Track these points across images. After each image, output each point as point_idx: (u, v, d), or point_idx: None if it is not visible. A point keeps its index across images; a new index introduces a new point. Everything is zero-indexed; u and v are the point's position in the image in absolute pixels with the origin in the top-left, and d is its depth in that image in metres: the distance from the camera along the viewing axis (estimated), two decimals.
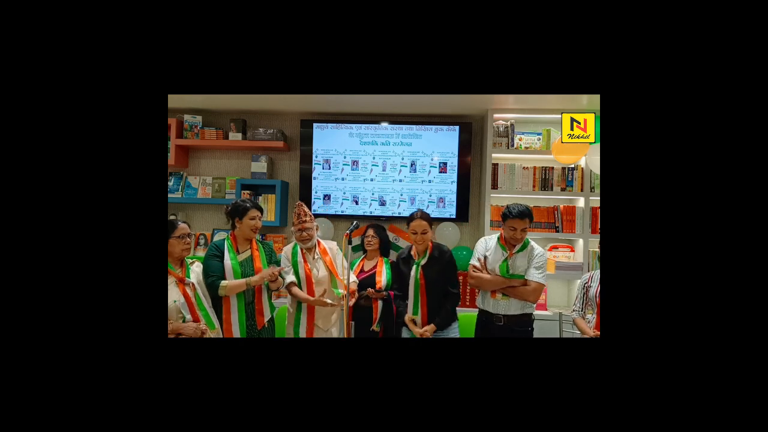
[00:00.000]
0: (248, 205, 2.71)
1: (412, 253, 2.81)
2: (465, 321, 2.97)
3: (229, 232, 2.78)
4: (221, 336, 2.57)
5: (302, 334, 2.81)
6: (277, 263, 2.80)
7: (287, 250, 2.92)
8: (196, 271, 2.61)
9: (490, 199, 3.63)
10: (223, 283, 2.56)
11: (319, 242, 2.93)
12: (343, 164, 3.88)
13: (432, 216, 3.79)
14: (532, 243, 2.74)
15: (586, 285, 2.70)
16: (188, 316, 2.44)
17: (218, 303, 2.62)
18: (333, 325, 2.89)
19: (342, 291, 2.90)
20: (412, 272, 2.74)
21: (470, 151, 3.81)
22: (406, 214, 3.83)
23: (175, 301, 2.41)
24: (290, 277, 2.82)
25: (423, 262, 2.72)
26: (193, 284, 2.51)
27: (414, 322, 2.69)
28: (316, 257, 2.89)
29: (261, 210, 2.74)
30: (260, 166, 3.92)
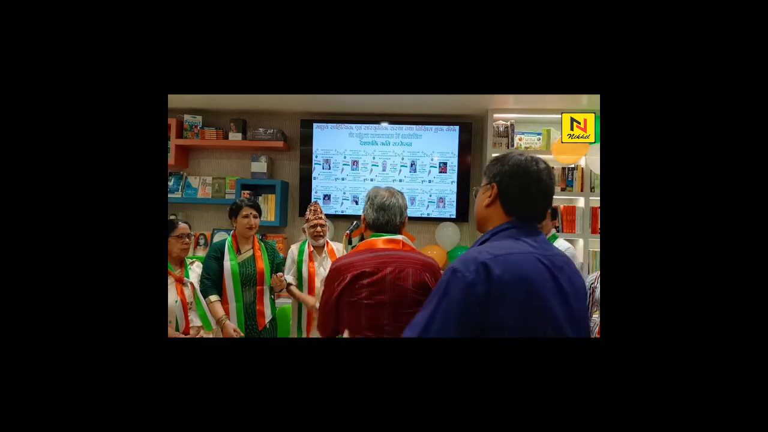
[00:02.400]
0: (243, 203, 2.72)
1: None
2: None
3: (230, 232, 2.79)
4: (220, 336, 2.57)
5: (304, 333, 2.83)
6: (280, 264, 2.80)
7: (294, 249, 2.94)
8: (196, 271, 2.61)
9: None
10: (212, 297, 2.57)
11: (327, 243, 2.95)
12: (343, 164, 3.88)
13: (432, 216, 3.81)
14: (560, 240, 2.73)
15: (592, 286, 2.69)
16: (180, 319, 2.43)
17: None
18: None
19: None
20: None
21: (470, 151, 3.81)
22: (406, 214, 3.82)
23: (176, 301, 2.42)
24: (289, 278, 2.83)
25: None
26: (192, 284, 2.52)
27: None
28: (323, 256, 2.90)
29: (256, 208, 2.73)
30: (260, 166, 3.92)
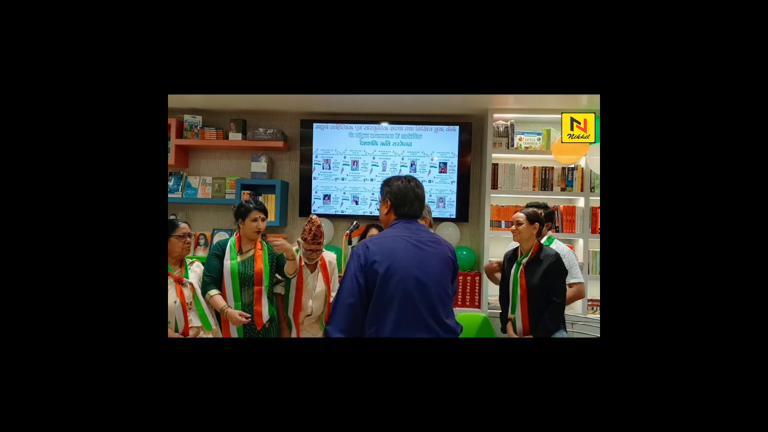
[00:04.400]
0: (251, 206, 2.69)
1: (519, 251, 2.68)
2: (469, 322, 2.95)
3: (231, 232, 2.78)
4: (219, 336, 2.57)
5: (290, 312, 2.76)
6: (280, 262, 2.78)
7: None
8: (196, 271, 2.61)
9: (490, 199, 3.63)
10: (212, 292, 2.56)
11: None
12: (343, 164, 3.88)
13: (432, 216, 3.81)
14: (556, 242, 2.71)
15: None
16: (179, 319, 2.42)
17: None
18: (316, 323, 2.85)
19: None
20: (512, 270, 2.63)
21: (470, 151, 3.81)
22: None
23: (175, 302, 2.41)
24: (278, 287, 2.79)
25: (524, 261, 2.58)
26: (191, 284, 2.51)
27: (513, 324, 2.59)
28: (316, 272, 2.83)
29: (264, 211, 2.71)
30: (260, 166, 3.92)
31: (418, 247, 1.70)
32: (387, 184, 1.84)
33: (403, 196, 1.79)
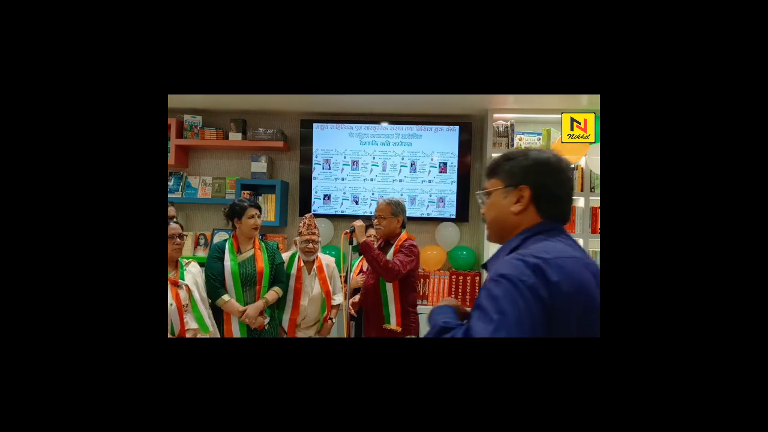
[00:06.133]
0: (246, 204, 2.70)
1: None
2: None
3: (230, 233, 2.78)
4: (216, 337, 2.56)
5: (285, 321, 2.81)
6: (280, 265, 2.79)
7: (284, 258, 2.90)
8: (192, 272, 2.57)
9: None
10: (225, 297, 2.57)
11: (317, 258, 2.90)
12: (343, 164, 3.88)
13: (432, 216, 3.81)
14: None
15: None
16: (175, 322, 2.39)
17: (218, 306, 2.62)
18: (313, 326, 2.89)
19: (339, 299, 2.90)
20: None
21: (470, 151, 3.81)
22: (406, 214, 3.82)
23: (171, 305, 2.38)
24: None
25: None
26: (187, 286, 2.47)
27: None
28: (312, 274, 2.86)
29: (259, 208, 2.72)
30: (260, 166, 3.92)
31: (591, 272, 1.02)
32: (517, 159, 1.07)
33: (560, 182, 1.06)
